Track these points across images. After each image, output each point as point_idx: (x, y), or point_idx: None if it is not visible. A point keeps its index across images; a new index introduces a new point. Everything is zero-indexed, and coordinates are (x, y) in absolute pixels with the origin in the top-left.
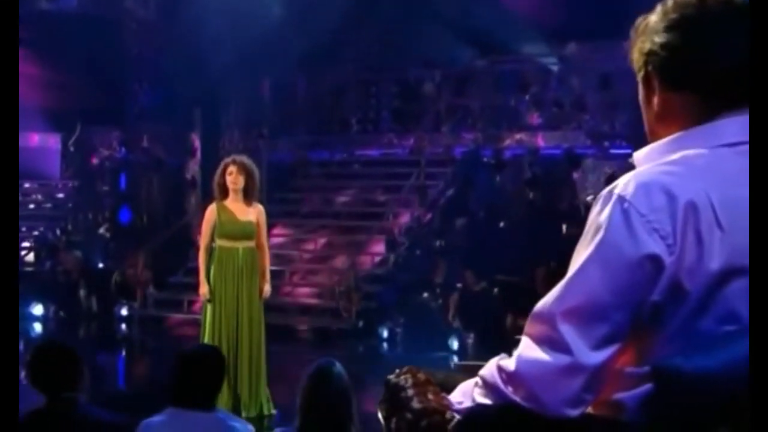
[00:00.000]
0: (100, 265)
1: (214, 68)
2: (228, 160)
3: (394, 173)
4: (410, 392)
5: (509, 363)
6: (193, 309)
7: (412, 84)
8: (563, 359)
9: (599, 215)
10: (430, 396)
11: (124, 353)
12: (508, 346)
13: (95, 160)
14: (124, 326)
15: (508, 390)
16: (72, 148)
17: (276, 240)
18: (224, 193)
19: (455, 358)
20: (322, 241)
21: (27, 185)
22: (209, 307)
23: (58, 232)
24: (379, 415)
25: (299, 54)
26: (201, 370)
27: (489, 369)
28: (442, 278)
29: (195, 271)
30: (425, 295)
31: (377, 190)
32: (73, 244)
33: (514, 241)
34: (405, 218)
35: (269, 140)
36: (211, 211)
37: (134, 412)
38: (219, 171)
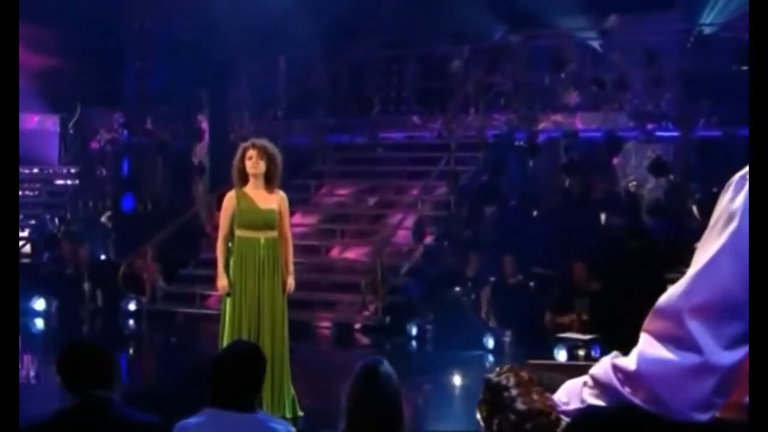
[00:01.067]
0: (102, 257)
1: (224, 44)
2: (247, 143)
3: (420, 158)
4: (513, 392)
5: (628, 362)
6: (206, 303)
7: (438, 61)
8: (692, 359)
9: (731, 203)
10: (535, 396)
11: (132, 351)
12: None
13: (96, 144)
14: (132, 322)
15: (626, 391)
16: (71, 131)
17: (294, 230)
18: (244, 179)
19: (491, 358)
20: (343, 230)
21: (23, 171)
22: (228, 302)
23: (56, 221)
24: (478, 416)
25: (316, 29)
26: (242, 368)
27: (602, 367)
28: (473, 271)
29: (206, 263)
30: (456, 289)
31: (402, 177)
32: (72, 234)
33: (548, 232)
34: (433, 207)
35: (284, 122)
36: (230, 198)
37: (149, 412)
38: (238, 155)
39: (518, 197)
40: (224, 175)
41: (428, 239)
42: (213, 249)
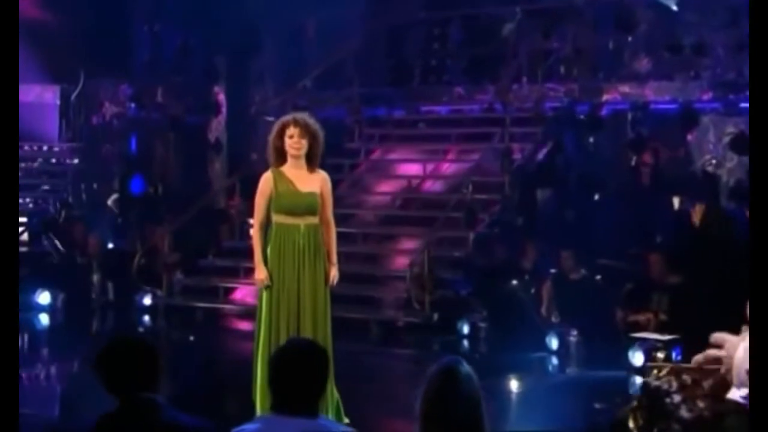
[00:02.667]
0: (110, 245)
1: (244, 5)
2: (287, 119)
3: (468, 134)
4: (676, 398)
5: None
6: (231, 297)
7: (486, 24)
8: None
9: None
10: (701, 403)
11: None
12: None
13: (101, 119)
14: (147, 318)
15: None
16: (73, 104)
17: None
18: (281, 158)
19: (554, 360)
20: (383, 217)
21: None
22: (265, 296)
23: (58, 205)
24: (630, 423)
25: None
26: (304, 369)
27: None
28: (531, 262)
29: (229, 253)
30: (513, 282)
31: (448, 155)
32: (74, 219)
33: (613, 218)
34: (484, 190)
35: (313, 94)
36: (267, 180)
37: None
38: (275, 131)
39: (578, 178)
40: (243, 154)
41: (479, 226)
42: (235, 236)
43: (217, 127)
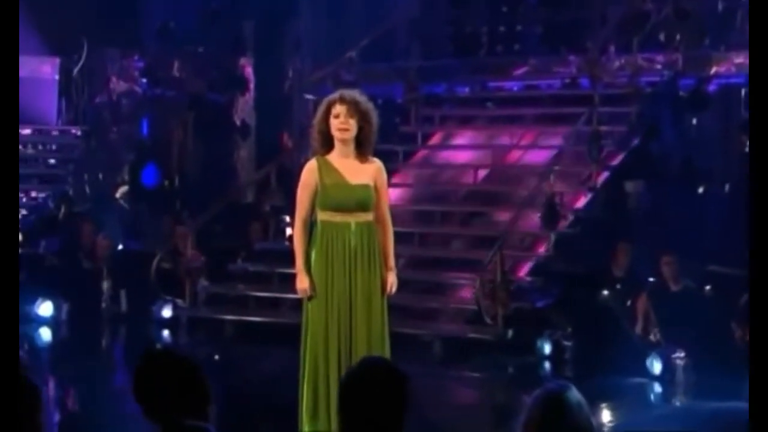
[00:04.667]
0: (120, 247)
1: None
2: (334, 96)
3: (547, 116)
4: None
5: None
6: (265, 309)
7: None
8: None
9: None
10: None
11: None
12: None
13: (107, 97)
14: (166, 332)
15: None
16: (75, 80)
17: None
18: (328, 144)
19: (658, 388)
20: (444, 213)
21: None
22: (310, 307)
23: (57, 199)
24: None
25: None
26: (381, 397)
27: None
28: (623, 269)
29: (261, 256)
30: (604, 293)
31: (522, 141)
32: (77, 216)
33: (724, 215)
34: (568, 183)
35: (360, 68)
36: (311, 170)
37: None
38: (320, 113)
39: (680, 168)
40: (275, 139)
41: (562, 225)
42: (268, 237)
43: (244, 107)
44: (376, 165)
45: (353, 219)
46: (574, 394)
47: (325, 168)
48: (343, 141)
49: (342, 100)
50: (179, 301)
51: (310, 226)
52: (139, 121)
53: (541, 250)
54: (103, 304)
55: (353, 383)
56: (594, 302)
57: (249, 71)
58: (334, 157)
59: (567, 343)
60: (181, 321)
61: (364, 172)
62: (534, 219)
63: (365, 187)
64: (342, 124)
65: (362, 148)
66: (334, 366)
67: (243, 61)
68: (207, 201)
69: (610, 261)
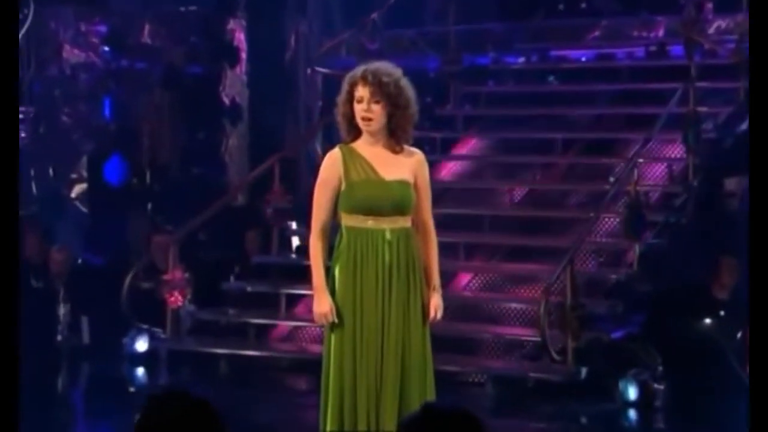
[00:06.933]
0: (78, 261)
1: None
2: (355, 74)
3: (627, 93)
4: None
5: None
6: (270, 339)
7: None
8: None
9: None
10: None
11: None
12: None
13: (59, 69)
14: (141, 370)
15: None
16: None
17: None
18: (354, 130)
19: None
20: (498, 218)
21: None
22: (333, 338)
23: None
24: None
25: None
26: None
27: None
28: (729, 290)
29: (260, 272)
30: (705, 321)
31: (594, 125)
32: (22, 221)
33: None
34: (655, 177)
35: (385, 35)
36: (333, 162)
37: None
38: (343, 92)
39: None
40: (274, 124)
41: (649, 235)
42: (271, 249)
43: (235, 83)
44: (416, 157)
45: (388, 225)
46: None
47: (352, 159)
48: (370, 132)
49: (364, 79)
50: (158, 331)
51: (332, 233)
52: (101, 101)
53: (622, 265)
54: (60, 336)
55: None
56: (691, 333)
57: (240, 37)
58: (362, 146)
59: (657, 386)
60: (161, 356)
61: (400, 165)
62: (612, 226)
63: (402, 183)
64: (365, 111)
65: (396, 137)
66: (363, 415)
67: (233, 23)
68: (188, 203)
69: (711, 280)
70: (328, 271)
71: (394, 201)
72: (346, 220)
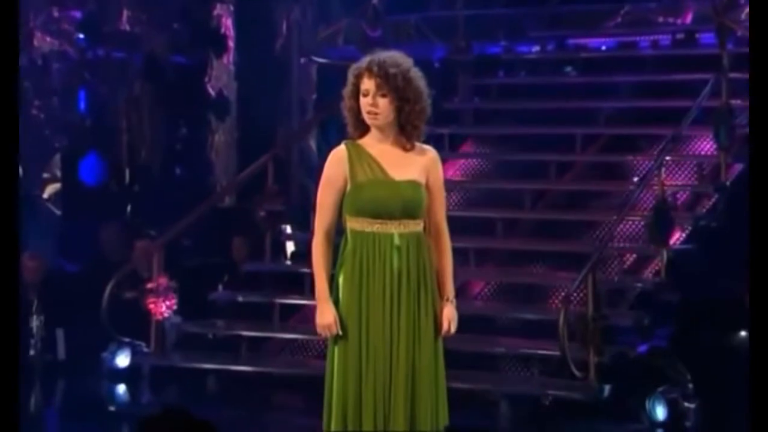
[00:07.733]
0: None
1: None
2: (360, 65)
3: (653, 85)
4: None
5: None
6: (263, 354)
7: None
8: None
9: None
10: None
11: None
12: None
13: (29, 59)
14: (122, 387)
15: None
16: None
17: None
18: (362, 125)
19: None
20: (512, 221)
21: None
22: (337, 351)
23: None
24: None
25: None
26: None
27: None
28: None
29: (251, 282)
30: (740, 334)
31: (616, 120)
32: None
33: None
34: (685, 179)
35: (388, 22)
36: (338, 160)
37: None
38: (349, 85)
39: None
40: (264, 118)
41: (677, 239)
42: (264, 255)
43: (222, 74)
44: (428, 155)
45: (397, 229)
46: None
47: (358, 157)
48: (377, 127)
49: (369, 71)
50: (140, 345)
51: (336, 238)
52: (75, 94)
53: (649, 273)
54: (32, 351)
55: None
56: (724, 347)
57: (228, 23)
58: (370, 143)
59: (688, 405)
60: (143, 372)
61: (411, 164)
62: (637, 230)
63: (413, 184)
64: (371, 105)
65: (406, 133)
66: None
67: (219, 8)
68: (172, 205)
69: (745, 289)
70: (332, 279)
71: (403, 203)
72: (352, 224)
